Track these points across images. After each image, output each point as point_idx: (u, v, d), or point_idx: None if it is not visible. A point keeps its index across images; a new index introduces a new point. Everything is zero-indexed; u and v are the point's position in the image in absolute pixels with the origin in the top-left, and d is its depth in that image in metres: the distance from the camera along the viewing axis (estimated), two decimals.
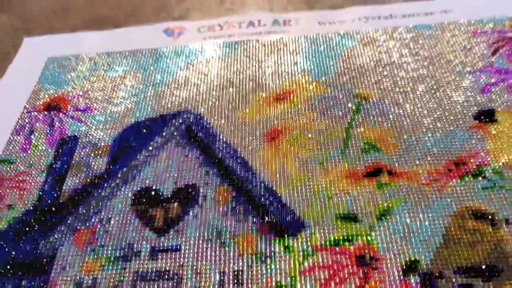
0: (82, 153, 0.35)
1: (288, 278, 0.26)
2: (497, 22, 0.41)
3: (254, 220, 0.29)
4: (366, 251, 0.27)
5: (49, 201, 0.32)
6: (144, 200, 0.31)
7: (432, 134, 0.33)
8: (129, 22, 0.49)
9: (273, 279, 0.27)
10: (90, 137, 0.36)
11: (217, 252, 0.28)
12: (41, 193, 0.32)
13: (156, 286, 0.27)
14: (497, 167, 0.30)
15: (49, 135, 0.37)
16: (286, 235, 0.28)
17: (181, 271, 0.27)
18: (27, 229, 0.30)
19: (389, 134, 0.33)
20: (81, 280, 0.28)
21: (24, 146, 0.36)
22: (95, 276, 0.28)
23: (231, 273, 0.27)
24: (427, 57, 0.38)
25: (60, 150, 0.35)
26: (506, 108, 0.33)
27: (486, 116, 0.33)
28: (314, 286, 0.26)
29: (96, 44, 0.45)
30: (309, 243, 0.28)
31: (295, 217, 0.29)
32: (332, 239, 0.28)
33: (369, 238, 0.28)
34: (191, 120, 0.36)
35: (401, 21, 0.43)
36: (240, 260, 0.28)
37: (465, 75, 0.36)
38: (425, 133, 0.33)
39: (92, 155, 0.35)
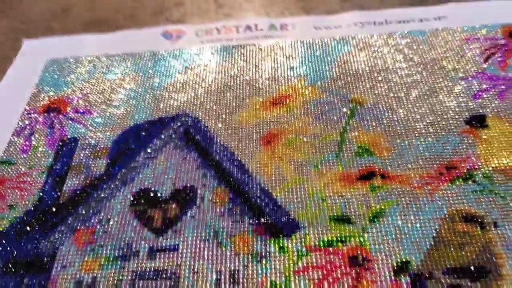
0: (82, 155, 0.35)
1: (283, 278, 0.27)
2: (490, 29, 0.41)
3: (250, 221, 0.30)
4: (359, 252, 0.28)
5: (50, 202, 0.32)
6: (142, 201, 0.32)
7: (424, 139, 0.33)
8: (128, 25, 0.49)
9: (268, 278, 0.27)
10: (90, 139, 0.36)
11: (214, 252, 0.29)
12: (41, 194, 0.33)
13: (154, 285, 0.27)
14: (487, 171, 0.31)
15: (49, 137, 0.37)
16: (281, 236, 0.29)
17: (178, 270, 0.28)
18: (28, 228, 0.31)
19: (382, 138, 0.34)
20: (81, 278, 0.28)
21: (25, 148, 0.36)
22: (95, 275, 0.28)
23: (227, 272, 0.27)
24: (420, 63, 0.39)
25: (60, 152, 0.36)
26: (496, 114, 0.34)
27: (477, 121, 0.34)
28: (308, 286, 0.26)
29: (95, 46, 0.46)
30: (303, 243, 0.28)
31: (290, 219, 0.30)
32: (326, 240, 0.28)
33: (361, 239, 0.28)
34: (189, 123, 0.36)
35: (396, 27, 0.43)
36: (236, 260, 0.28)
37: (458, 81, 0.37)
38: (418, 138, 0.33)
39: (92, 156, 0.35)
